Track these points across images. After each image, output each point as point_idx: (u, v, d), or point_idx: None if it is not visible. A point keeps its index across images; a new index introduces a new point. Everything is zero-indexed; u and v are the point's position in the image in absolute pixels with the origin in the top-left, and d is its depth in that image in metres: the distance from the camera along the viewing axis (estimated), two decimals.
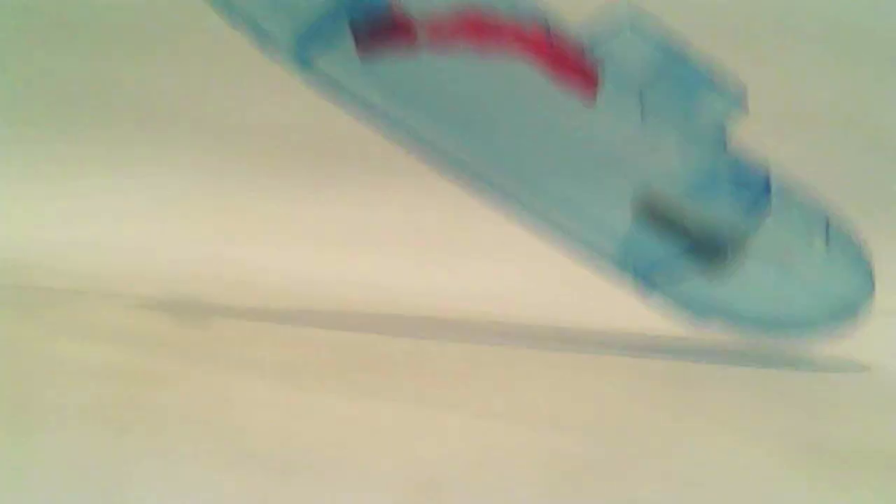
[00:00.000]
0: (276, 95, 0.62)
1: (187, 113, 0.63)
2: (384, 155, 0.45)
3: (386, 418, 0.33)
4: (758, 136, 0.43)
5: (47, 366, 0.35)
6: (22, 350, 0.36)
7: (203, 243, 0.55)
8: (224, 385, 0.34)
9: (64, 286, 0.47)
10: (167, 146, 0.61)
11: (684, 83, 0.41)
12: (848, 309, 0.44)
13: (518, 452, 0.31)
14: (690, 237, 0.43)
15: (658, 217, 0.42)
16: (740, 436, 0.35)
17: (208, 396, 0.33)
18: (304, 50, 0.39)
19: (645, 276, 0.43)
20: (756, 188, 0.43)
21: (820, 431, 0.37)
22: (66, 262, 0.51)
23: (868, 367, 0.45)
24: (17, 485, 0.25)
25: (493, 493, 0.28)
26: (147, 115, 0.62)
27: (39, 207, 0.57)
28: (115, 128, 0.61)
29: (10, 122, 0.61)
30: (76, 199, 0.58)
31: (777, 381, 0.43)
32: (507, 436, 0.32)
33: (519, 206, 0.42)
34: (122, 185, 0.57)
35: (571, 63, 0.40)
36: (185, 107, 0.63)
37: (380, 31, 0.38)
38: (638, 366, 0.43)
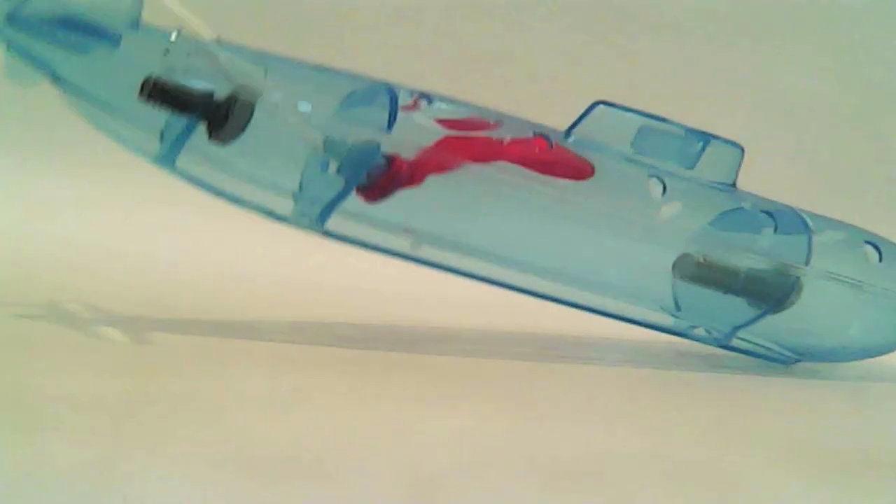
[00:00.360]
0: None
1: None
2: None
3: (386, 420, 0.33)
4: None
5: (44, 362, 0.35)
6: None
7: (203, 244, 0.55)
8: (223, 387, 0.34)
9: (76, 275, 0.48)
10: None
11: (677, 144, 0.41)
12: None
13: (518, 456, 0.31)
14: (743, 288, 0.43)
15: (706, 278, 0.42)
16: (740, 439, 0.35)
17: (208, 398, 0.33)
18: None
19: (717, 337, 0.44)
20: (786, 220, 0.43)
21: (822, 434, 0.37)
22: (66, 261, 0.51)
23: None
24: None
25: (493, 494, 0.28)
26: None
27: (40, 207, 0.58)
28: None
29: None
30: (77, 199, 0.58)
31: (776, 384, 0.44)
32: (507, 439, 0.32)
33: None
34: (123, 186, 0.58)
35: (563, 160, 0.40)
36: None
37: (384, 184, 0.38)
38: (637, 371, 0.44)
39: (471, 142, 0.39)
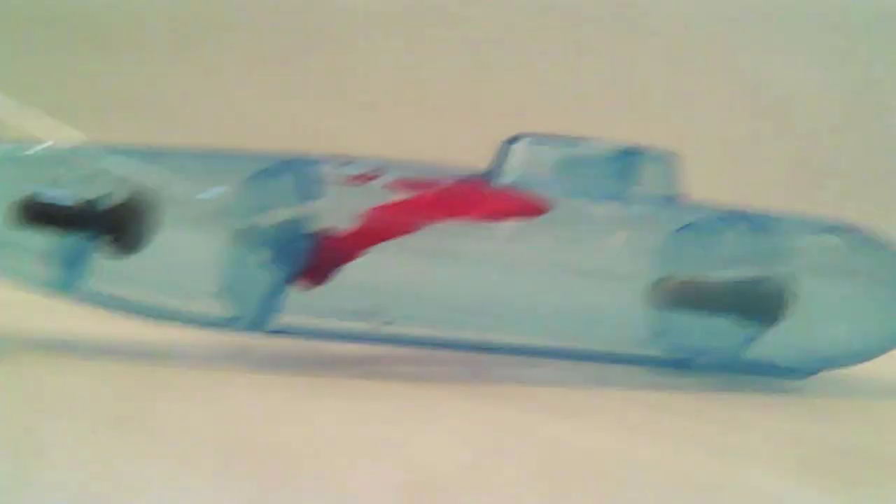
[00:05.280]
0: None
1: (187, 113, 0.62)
2: None
3: (386, 422, 0.32)
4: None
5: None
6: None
7: None
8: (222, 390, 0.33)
9: None
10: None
11: (609, 164, 0.38)
12: None
13: (517, 459, 0.30)
14: (730, 304, 0.40)
15: (687, 301, 0.39)
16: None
17: (207, 402, 0.32)
18: None
19: (723, 363, 0.41)
20: (748, 223, 0.40)
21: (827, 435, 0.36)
22: None
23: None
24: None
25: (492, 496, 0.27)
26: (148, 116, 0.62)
27: None
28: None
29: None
30: None
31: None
32: (506, 442, 0.31)
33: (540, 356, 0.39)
34: None
35: (508, 202, 0.37)
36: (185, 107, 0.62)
37: (322, 263, 0.34)
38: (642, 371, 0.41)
39: (410, 203, 0.36)
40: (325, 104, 0.61)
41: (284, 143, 0.63)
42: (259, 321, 0.34)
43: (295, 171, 0.34)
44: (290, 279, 0.34)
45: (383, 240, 0.35)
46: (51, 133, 0.33)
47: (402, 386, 0.36)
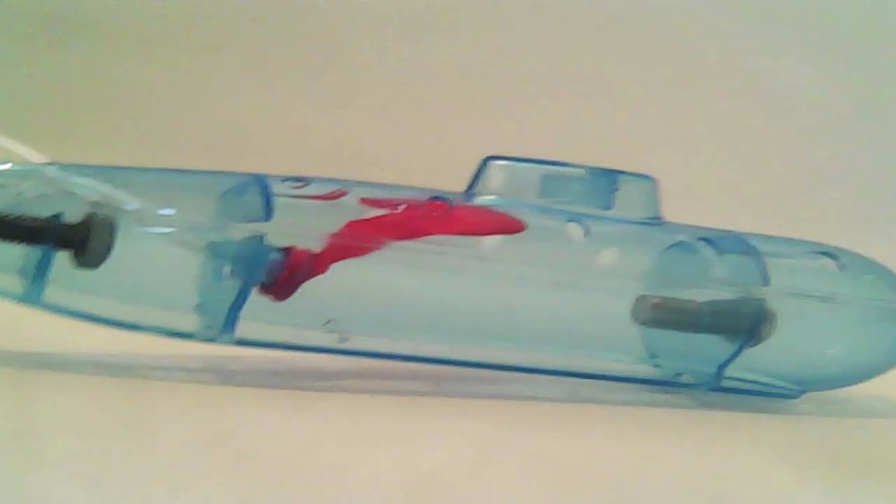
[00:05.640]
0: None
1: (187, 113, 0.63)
2: None
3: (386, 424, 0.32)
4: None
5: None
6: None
7: None
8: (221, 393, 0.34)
9: None
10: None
11: (586, 187, 0.39)
12: None
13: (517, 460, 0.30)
14: (710, 323, 0.39)
15: (667, 320, 0.39)
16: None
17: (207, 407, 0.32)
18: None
19: (705, 381, 0.40)
20: (728, 245, 0.40)
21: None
22: None
23: None
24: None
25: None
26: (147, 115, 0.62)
27: None
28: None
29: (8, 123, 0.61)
30: None
31: None
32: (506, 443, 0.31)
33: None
34: None
35: (484, 221, 0.37)
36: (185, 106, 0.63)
37: (286, 277, 0.34)
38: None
39: (383, 220, 0.36)
40: (325, 104, 0.61)
41: (283, 145, 0.64)
42: (224, 332, 0.35)
43: (261, 189, 0.35)
44: (254, 291, 0.34)
45: (349, 256, 0.35)
46: (11, 153, 0.34)
47: (388, 400, 0.36)
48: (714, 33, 0.68)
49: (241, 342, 0.35)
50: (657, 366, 0.41)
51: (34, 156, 0.33)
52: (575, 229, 0.38)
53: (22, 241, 0.32)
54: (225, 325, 0.34)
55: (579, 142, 0.62)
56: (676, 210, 0.40)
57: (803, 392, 0.42)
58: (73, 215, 0.32)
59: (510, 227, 0.37)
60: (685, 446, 0.35)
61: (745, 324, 0.39)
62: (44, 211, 0.32)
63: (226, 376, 0.38)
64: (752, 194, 0.66)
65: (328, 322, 0.35)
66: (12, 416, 0.30)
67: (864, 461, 0.36)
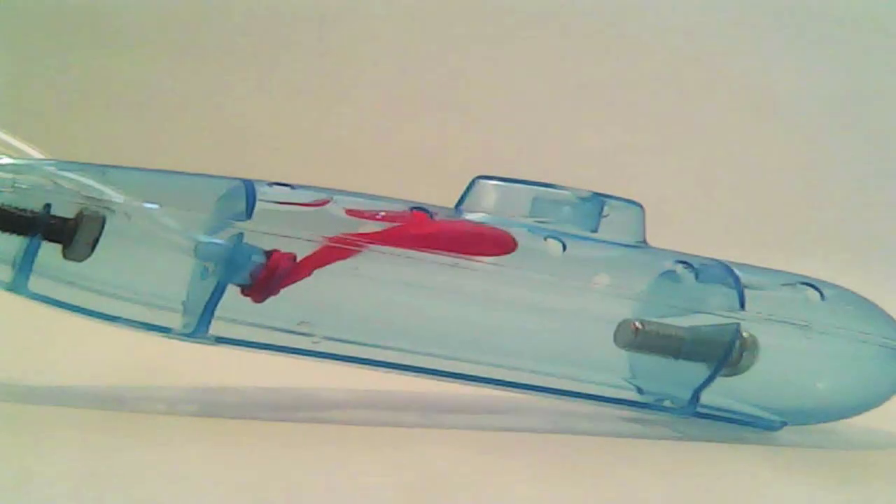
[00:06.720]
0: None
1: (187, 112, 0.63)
2: None
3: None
4: None
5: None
6: None
7: None
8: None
9: None
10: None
11: (574, 209, 0.39)
12: None
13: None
14: (691, 350, 0.40)
15: (649, 345, 0.40)
16: None
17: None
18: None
19: (683, 407, 0.41)
20: (709, 271, 0.41)
21: None
22: None
23: None
24: None
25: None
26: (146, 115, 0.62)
27: None
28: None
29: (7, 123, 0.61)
30: None
31: None
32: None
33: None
34: None
35: (483, 234, 0.38)
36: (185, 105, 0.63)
37: (264, 280, 0.35)
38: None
39: (368, 229, 0.36)
40: (324, 105, 0.61)
41: (281, 145, 0.64)
42: (200, 329, 0.35)
43: (247, 193, 0.36)
44: (242, 293, 0.35)
45: (332, 262, 0.36)
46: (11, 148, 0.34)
47: (371, 431, 0.37)
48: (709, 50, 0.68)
49: (220, 340, 0.36)
50: (640, 390, 0.41)
51: (33, 152, 0.34)
52: (559, 249, 0.39)
53: (10, 231, 0.33)
54: (199, 322, 0.35)
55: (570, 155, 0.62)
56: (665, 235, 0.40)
57: (785, 424, 0.42)
58: (64, 209, 0.33)
59: (500, 246, 0.38)
60: (669, 479, 0.36)
61: (719, 350, 0.40)
62: (35, 204, 0.33)
63: (206, 407, 0.38)
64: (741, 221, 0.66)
65: (301, 323, 0.36)
66: None
67: (848, 494, 0.37)
